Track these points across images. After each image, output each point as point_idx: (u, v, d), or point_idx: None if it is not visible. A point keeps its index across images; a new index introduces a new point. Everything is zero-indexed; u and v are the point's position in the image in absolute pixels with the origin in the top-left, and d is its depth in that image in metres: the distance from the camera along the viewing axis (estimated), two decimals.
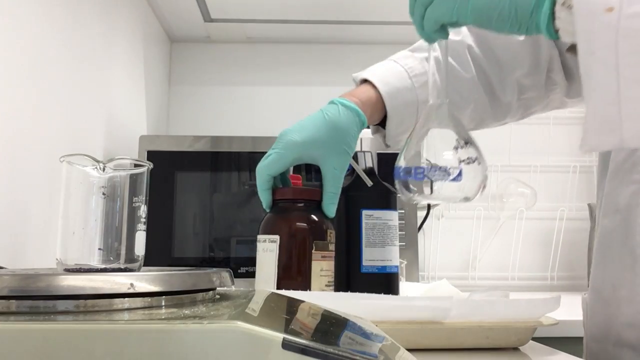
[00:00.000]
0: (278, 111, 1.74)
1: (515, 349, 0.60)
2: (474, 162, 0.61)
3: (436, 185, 0.61)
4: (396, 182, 0.66)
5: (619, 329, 0.61)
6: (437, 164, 0.61)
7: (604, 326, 0.63)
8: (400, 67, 0.76)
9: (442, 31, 0.59)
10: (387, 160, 0.83)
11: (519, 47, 0.76)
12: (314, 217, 0.75)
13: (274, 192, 0.77)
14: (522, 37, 0.75)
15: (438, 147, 0.63)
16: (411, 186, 0.63)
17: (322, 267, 0.73)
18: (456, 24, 0.57)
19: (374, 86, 0.74)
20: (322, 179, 0.72)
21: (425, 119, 0.65)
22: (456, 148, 0.61)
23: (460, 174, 0.60)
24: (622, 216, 0.61)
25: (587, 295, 0.69)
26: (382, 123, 0.78)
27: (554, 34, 0.49)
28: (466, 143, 0.62)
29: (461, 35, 0.78)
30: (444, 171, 0.60)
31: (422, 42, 0.78)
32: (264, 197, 0.73)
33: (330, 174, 0.71)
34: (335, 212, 0.73)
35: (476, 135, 0.74)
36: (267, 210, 0.74)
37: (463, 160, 0.61)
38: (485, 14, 0.52)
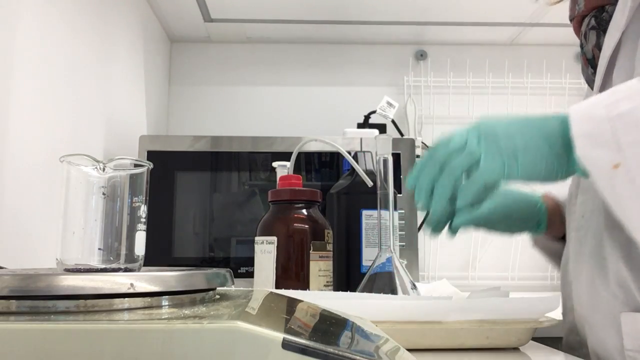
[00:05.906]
0: (278, 111, 1.74)
1: (515, 349, 0.60)
2: None
3: None
4: None
5: (566, 334, 0.69)
6: None
7: (564, 331, 0.71)
8: None
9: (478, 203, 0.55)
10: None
11: None
12: (311, 217, 0.75)
13: (269, 193, 0.77)
14: None
15: None
16: None
17: (320, 267, 0.73)
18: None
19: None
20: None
21: None
22: None
23: None
24: (575, 234, 0.67)
25: None
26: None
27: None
28: None
29: None
30: None
31: None
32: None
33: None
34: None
35: None
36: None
37: None
38: (534, 171, 0.52)
